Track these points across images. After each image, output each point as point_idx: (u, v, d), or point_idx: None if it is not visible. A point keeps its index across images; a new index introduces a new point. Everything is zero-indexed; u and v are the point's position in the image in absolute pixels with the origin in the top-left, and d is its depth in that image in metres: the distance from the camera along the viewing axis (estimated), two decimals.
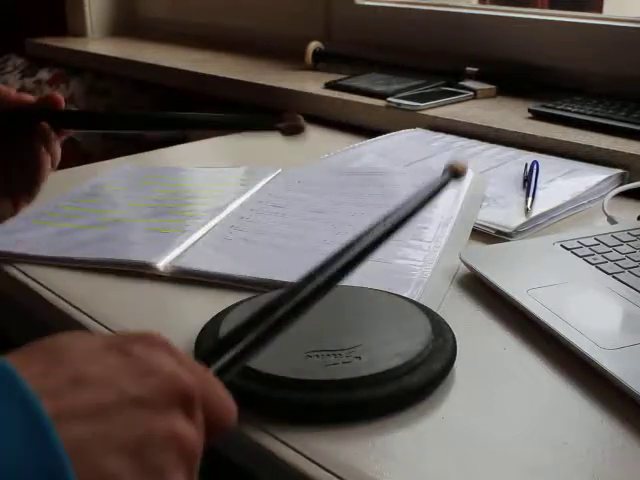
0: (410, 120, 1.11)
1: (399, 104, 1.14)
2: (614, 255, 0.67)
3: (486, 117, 1.08)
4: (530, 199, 0.80)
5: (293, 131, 0.43)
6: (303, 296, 0.36)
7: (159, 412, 0.28)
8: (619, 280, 0.63)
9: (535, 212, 0.78)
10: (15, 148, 0.56)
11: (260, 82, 1.32)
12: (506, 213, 0.78)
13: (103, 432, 0.27)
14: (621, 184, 0.89)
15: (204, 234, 0.74)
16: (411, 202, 0.44)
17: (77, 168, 1.01)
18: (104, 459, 0.26)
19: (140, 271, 0.67)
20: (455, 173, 0.48)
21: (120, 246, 0.72)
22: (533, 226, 0.77)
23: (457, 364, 0.52)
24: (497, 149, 1.00)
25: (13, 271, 0.68)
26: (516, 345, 0.56)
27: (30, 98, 0.57)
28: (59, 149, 0.59)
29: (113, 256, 0.69)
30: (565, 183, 0.87)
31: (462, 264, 0.67)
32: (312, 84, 1.29)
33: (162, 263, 0.68)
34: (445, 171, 0.49)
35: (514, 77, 1.23)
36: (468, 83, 1.23)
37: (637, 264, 0.65)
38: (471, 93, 1.20)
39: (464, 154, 0.98)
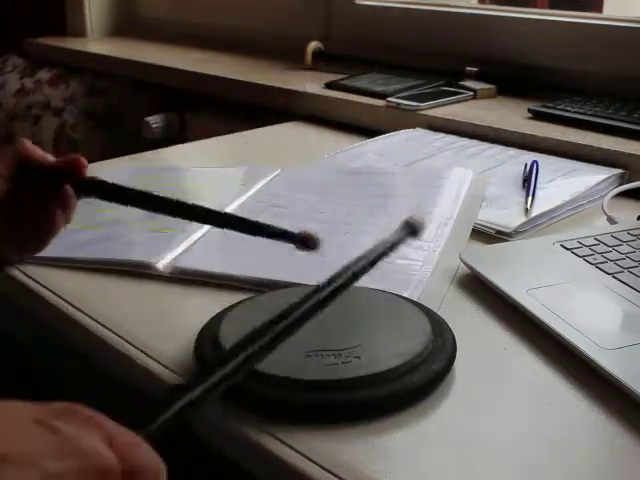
0: (410, 120, 1.11)
1: (399, 104, 1.14)
2: (614, 255, 0.67)
3: (486, 117, 1.08)
4: (530, 199, 0.80)
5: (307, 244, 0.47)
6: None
7: None
8: (619, 280, 0.63)
9: (535, 212, 0.78)
10: (32, 204, 0.55)
11: (260, 82, 1.32)
12: (506, 213, 0.78)
13: None
14: (621, 184, 0.89)
15: (204, 234, 0.74)
16: (371, 254, 0.47)
17: None
18: None
19: (140, 271, 0.67)
20: (412, 229, 0.51)
21: (120, 246, 0.72)
22: (533, 226, 0.77)
23: (457, 364, 0.52)
24: (497, 149, 1.00)
25: (13, 271, 0.68)
26: (516, 345, 0.56)
27: (52, 159, 0.56)
28: (75, 209, 0.58)
29: (113, 256, 0.69)
30: (565, 183, 0.87)
31: (462, 264, 0.67)
32: (312, 84, 1.29)
33: (162, 263, 0.68)
34: (403, 226, 0.51)
35: (514, 77, 1.23)
36: (468, 83, 1.23)
37: (637, 264, 0.65)
38: (471, 93, 1.20)
39: (464, 154, 0.98)
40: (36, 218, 0.56)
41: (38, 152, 0.55)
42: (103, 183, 0.55)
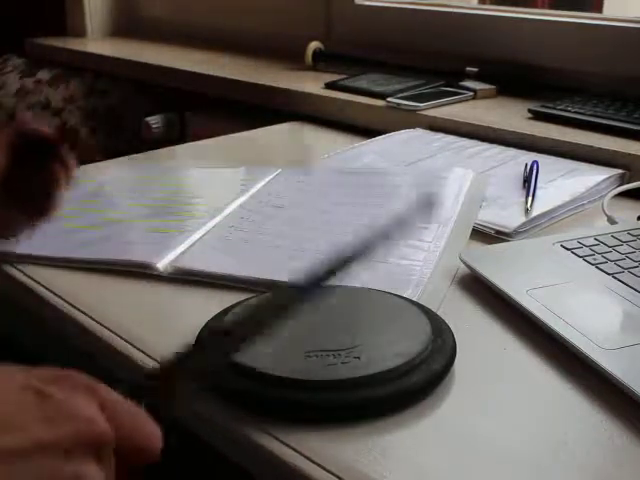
0: (410, 120, 1.11)
1: (399, 104, 1.14)
2: (614, 255, 0.67)
3: (486, 117, 1.08)
4: (530, 199, 0.80)
5: None
6: None
7: (69, 459, 0.28)
8: (619, 280, 0.63)
9: (535, 212, 0.78)
10: (33, 167, 0.59)
11: (260, 82, 1.32)
12: (506, 213, 0.78)
13: (4, 478, 0.26)
14: (621, 184, 0.89)
15: (204, 234, 0.74)
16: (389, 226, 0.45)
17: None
18: None
19: (140, 271, 0.67)
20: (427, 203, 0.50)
21: (120, 246, 0.72)
22: (533, 226, 0.77)
23: (457, 364, 0.52)
24: (497, 149, 1.00)
25: (13, 271, 0.68)
26: (516, 345, 0.56)
27: (47, 130, 0.60)
28: (74, 166, 0.61)
29: (113, 256, 0.69)
30: (565, 183, 0.87)
31: (462, 264, 0.67)
32: (312, 84, 1.29)
33: (162, 263, 0.68)
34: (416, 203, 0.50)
35: (514, 77, 1.23)
36: (468, 83, 1.23)
37: (637, 264, 0.65)
38: (471, 93, 1.20)
39: (464, 154, 0.98)
40: (40, 179, 0.59)
41: (32, 123, 0.59)
42: None
